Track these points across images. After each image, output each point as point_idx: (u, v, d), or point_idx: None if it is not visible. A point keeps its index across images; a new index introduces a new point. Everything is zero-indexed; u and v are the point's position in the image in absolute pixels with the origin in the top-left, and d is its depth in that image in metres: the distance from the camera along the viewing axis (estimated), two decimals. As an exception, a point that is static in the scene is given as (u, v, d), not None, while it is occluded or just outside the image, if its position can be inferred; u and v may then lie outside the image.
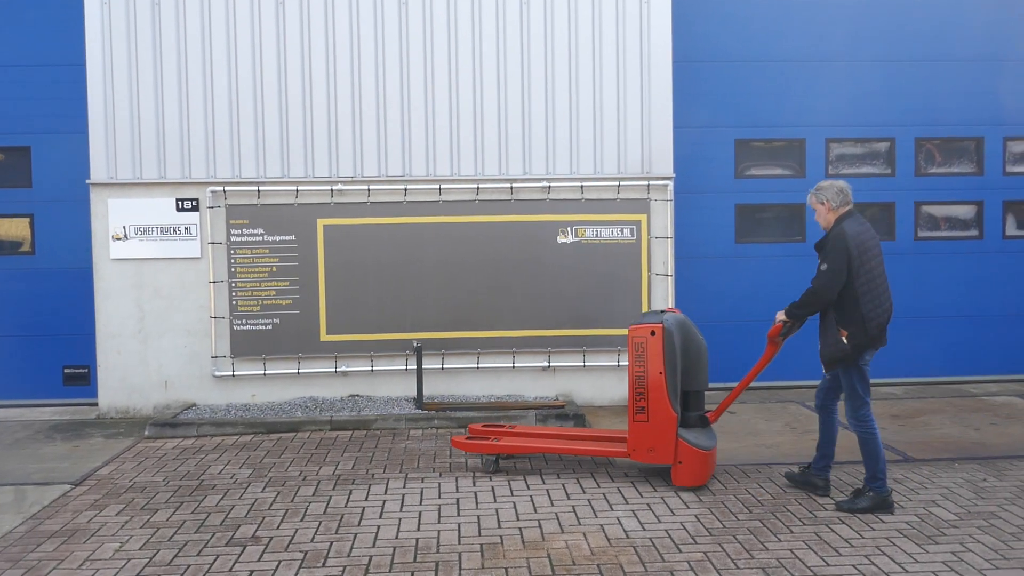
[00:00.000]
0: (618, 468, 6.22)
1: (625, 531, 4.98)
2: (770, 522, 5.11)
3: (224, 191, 8.04)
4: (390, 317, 8.17)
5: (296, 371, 8.13)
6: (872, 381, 5.41)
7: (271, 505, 5.49)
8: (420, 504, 5.48)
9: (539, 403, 7.91)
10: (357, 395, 8.23)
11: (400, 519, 5.21)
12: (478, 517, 5.23)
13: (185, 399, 8.12)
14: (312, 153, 8.13)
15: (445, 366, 8.23)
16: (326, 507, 5.44)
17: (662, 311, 6.23)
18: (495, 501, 5.52)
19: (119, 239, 8.03)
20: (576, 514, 5.27)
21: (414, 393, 8.16)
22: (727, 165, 8.98)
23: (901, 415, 7.80)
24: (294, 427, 7.35)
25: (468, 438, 6.32)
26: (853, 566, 4.47)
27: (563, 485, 5.84)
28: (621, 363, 8.30)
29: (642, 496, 5.59)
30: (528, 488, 5.79)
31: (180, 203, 8.06)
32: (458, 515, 5.27)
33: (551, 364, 8.26)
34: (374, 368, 8.19)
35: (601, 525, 5.08)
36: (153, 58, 7.97)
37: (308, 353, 8.13)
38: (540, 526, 5.07)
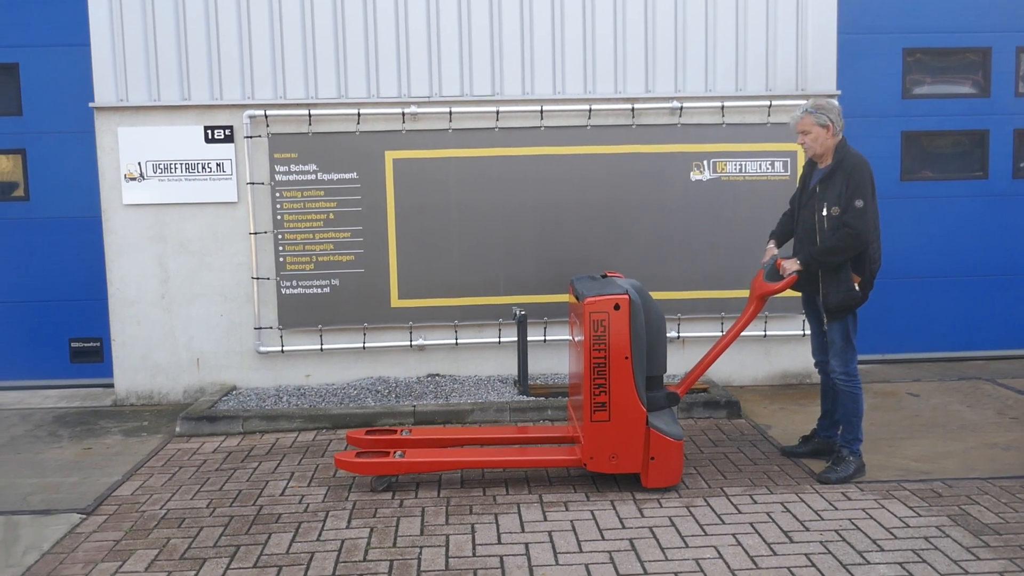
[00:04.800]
0: (800, 471, 4.53)
1: (912, 603, 3.32)
2: (1122, 586, 3.43)
3: (266, 116, 6.28)
4: (478, 277, 6.44)
5: (361, 345, 6.45)
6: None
7: (367, 552, 3.83)
8: (580, 550, 3.81)
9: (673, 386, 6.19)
10: (437, 375, 6.55)
11: (562, 579, 3.55)
12: (676, 575, 3.56)
13: (223, 381, 6.46)
14: (376, 68, 6.33)
15: (548, 338, 6.53)
16: (447, 556, 3.78)
17: (602, 276, 4.75)
18: (685, 544, 3.85)
19: (133, 179, 6.30)
20: (819, 569, 3.60)
21: (509, 372, 6.50)
22: (892, 81, 7.11)
23: None
24: (368, 420, 5.68)
25: (358, 454, 4.58)
26: None
27: (768, 514, 4.15)
28: (769, 333, 6.58)
29: (890, 532, 3.91)
30: (719, 517, 4.11)
31: (210, 132, 6.31)
32: (644, 571, 3.60)
33: (680, 334, 6.56)
34: (458, 341, 6.50)
35: (869, 591, 3.41)
36: (171, -56, 6.16)
37: (375, 323, 6.43)
38: (778, 593, 3.41)
